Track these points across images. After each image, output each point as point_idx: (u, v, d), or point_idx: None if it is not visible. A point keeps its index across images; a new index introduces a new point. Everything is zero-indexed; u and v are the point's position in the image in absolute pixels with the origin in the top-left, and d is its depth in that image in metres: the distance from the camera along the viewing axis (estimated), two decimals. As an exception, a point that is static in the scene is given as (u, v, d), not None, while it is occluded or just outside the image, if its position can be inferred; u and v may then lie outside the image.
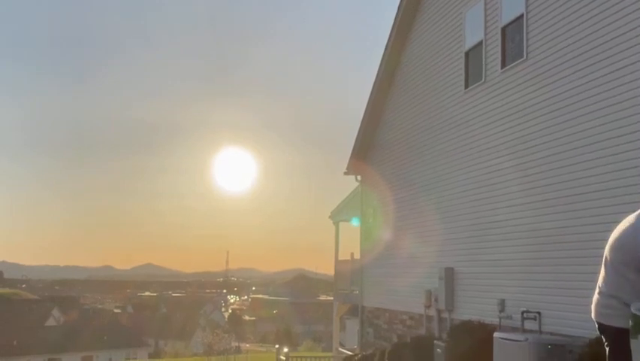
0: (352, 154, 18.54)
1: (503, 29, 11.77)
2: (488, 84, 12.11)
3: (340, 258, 21.89)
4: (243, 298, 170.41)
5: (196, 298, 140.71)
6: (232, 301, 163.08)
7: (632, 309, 3.65)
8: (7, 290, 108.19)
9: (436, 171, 14.08)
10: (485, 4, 12.32)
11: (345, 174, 19.03)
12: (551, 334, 9.70)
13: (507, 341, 9.61)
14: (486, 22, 12.30)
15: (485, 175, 12.04)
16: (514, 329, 10.43)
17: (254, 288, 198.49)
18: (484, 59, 12.27)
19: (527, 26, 10.95)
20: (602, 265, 3.95)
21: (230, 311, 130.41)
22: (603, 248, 4.01)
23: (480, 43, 12.46)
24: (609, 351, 3.88)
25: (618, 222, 4.02)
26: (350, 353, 19.58)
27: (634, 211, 3.98)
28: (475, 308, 12.10)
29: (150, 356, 73.35)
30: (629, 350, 3.66)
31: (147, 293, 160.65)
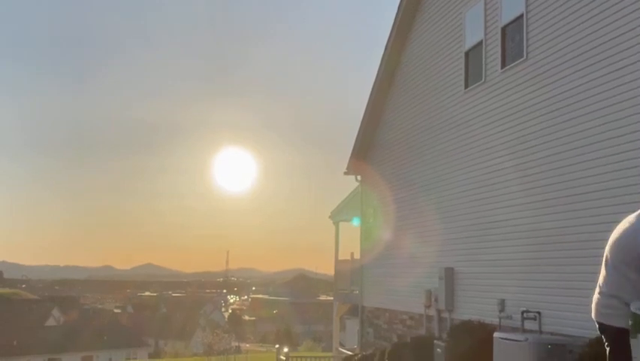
0: (352, 154, 18.54)
1: (503, 29, 11.76)
2: (488, 84, 12.11)
3: (340, 258, 21.89)
4: (243, 298, 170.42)
5: (196, 298, 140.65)
6: (232, 301, 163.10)
7: (632, 308, 3.65)
8: (7, 290, 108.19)
9: (436, 171, 14.08)
10: (485, 4, 12.32)
11: (345, 174, 19.03)
12: (551, 334, 9.70)
13: (507, 341, 9.61)
14: (486, 22, 12.30)
15: (485, 175, 12.04)
16: (514, 329, 10.43)
17: (254, 288, 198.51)
18: (484, 59, 12.27)
19: (527, 26, 10.95)
20: (603, 265, 3.96)
21: (230, 311, 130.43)
22: (603, 248, 4.01)
23: (480, 43, 12.46)
24: (610, 351, 3.88)
25: (618, 222, 4.02)
26: (350, 353, 19.58)
27: (634, 211, 3.99)
28: (475, 308, 12.10)
29: (150, 356, 73.36)
30: (630, 350, 3.66)
31: (147, 293, 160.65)
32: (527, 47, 10.90)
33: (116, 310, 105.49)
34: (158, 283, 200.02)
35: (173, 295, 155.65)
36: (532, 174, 10.60)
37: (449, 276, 13.04)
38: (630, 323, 3.67)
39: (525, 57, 10.94)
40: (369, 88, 17.35)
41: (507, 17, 11.64)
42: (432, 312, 13.86)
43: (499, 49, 11.80)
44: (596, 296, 3.98)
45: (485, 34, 12.28)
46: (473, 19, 12.77)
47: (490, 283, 11.75)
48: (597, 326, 3.98)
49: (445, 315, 13.26)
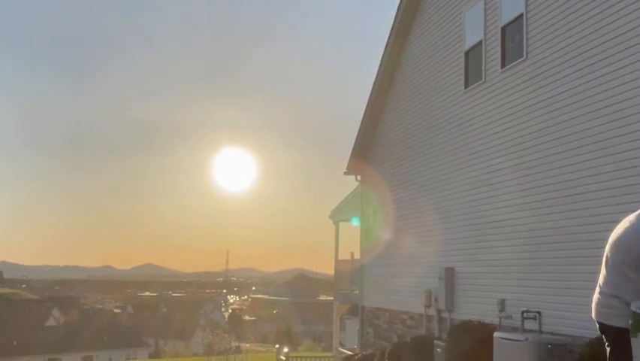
0: (352, 154, 18.54)
1: (503, 29, 11.77)
2: (488, 84, 12.11)
3: (340, 258, 21.89)
4: (243, 298, 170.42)
5: (196, 298, 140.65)
6: (232, 301, 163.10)
7: (632, 307, 3.65)
8: (7, 290, 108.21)
9: (435, 171, 14.08)
10: (485, 3, 12.32)
11: (345, 173, 19.03)
12: (551, 334, 9.71)
13: (507, 341, 9.61)
14: (486, 21, 12.30)
15: (485, 175, 12.04)
16: (514, 329, 10.43)
17: (254, 288, 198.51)
18: (483, 59, 12.27)
19: (527, 26, 10.95)
20: (603, 265, 3.95)
21: (230, 311, 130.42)
22: (603, 248, 4.01)
23: (480, 43, 12.46)
24: (610, 351, 3.88)
25: (618, 221, 4.02)
26: (350, 352, 19.57)
27: (634, 211, 3.98)
28: (475, 308, 12.10)
29: (150, 356, 73.34)
30: (630, 350, 3.66)
31: (147, 293, 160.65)
32: (527, 46, 10.90)
33: (116, 310, 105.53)
34: (158, 283, 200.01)
35: (173, 295, 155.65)
36: (532, 174, 10.61)
37: (449, 276, 13.04)
38: (630, 322, 3.66)
39: (525, 57, 10.94)
40: (369, 88, 17.37)
41: (507, 17, 11.65)
42: (432, 312, 13.86)
43: (498, 49, 11.80)
44: (596, 296, 3.97)
45: (485, 34, 12.29)
46: (473, 19, 12.78)
47: (490, 283, 11.75)
48: (597, 325, 3.98)
49: (445, 315, 13.26)
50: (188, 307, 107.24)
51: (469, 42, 12.91)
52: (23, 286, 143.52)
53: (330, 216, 22.81)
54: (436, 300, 13.49)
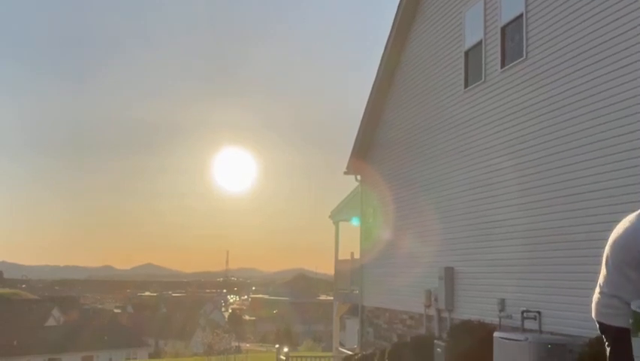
0: (352, 154, 18.54)
1: (503, 29, 11.76)
2: (488, 84, 12.11)
3: (340, 258, 21.89)
4: (243, 298, 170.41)
5: (196, 298, 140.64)
6: (232, 301, 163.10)
7: (633, 307, 3.65)
8: (7, 290, 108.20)
9: (435, 171, 14.08)
10: (485, 3, 12.32)
11: (345, 173, 19.03)
12: (551, 333, 9.70)
13: (507, 341, 9.61)
14: (485, 21, 12.30)
15: (485, 175, 12.04)
16: (514, 329, 10.43)
17: (254, 288, 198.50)
18: (483, 59, 12.27)
19: (527, 26, 10.95)
20: (603, 265, 3.95)
21: (230, 311, 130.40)
22: (603, 248, 4.01)
23: (479, 43, 12.46)
24: (610, 351, 3.88)
25: (617, 221, 4.02)
26: (350, 352, 19.57)
27: (633, 211, 3.98)
28: (475, 308, 12.10)
29: (150, 356, 73.31)
30: (631, 350, 3.66)
31: (147, 293, 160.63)
32: (527, 46, 10.90)
33: (116, 310, 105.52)
34: (158, 283, 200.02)
35: (173, 295, 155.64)
36: (532, 174, 10.60)
37: (449, 276, 13.04)
38: (631, 321, 3.67)
39: (525, 57, 10.94)
40: (369, 88, 17.37)
41: (507, 17, 11.64)
42: (432, 312, 13.86)
43: (498, 48, 11.80)
44: (596, 296, 3.97)
45: (485, 34, 12.28)
46: (473, 19, 12.77)
47: (490, 283, 11.75)
48: (598, 325, 3.98)
49: (445, 315, 13.26)
50: (188, 307, 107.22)
51: (469, 42, 12.91)
52: (23, 286, 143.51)
53: (330, 216, 22.80)
54: (436, 300, 13.48)
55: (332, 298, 24.10)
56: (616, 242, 3.89)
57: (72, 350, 65.82)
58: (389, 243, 16.50)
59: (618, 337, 3.78)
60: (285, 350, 26.33)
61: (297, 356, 23.74)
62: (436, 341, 12.09)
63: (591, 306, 4.02)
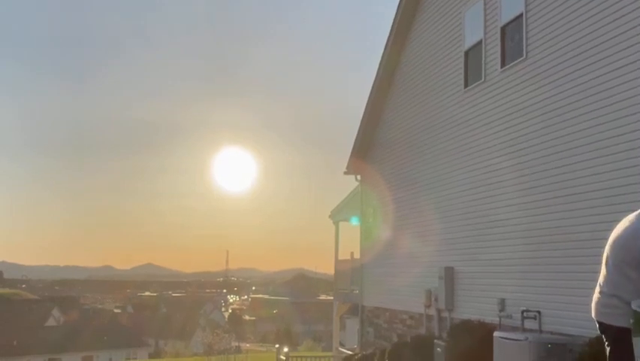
0: (352, 153, 18.54)
1: (503, 28, 11.76)
2: (488, 83, 12.11)
3: (340, 257, 21.89)
4: (243, 298, 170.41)
5: (196, 298, 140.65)
6: (232, 301, 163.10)
7: (634, 306, 3.65)
8: (7, 290, 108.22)
9: (435, 171, 14.08)
10: (485, 3, 12.32)
11: (345, 173, 19.03)
12: (551, 333, 9.70)
13: (507, 341, 9.61)
14: (485, 21, 12.30)
15: (485, 174, 12.04)
16: (514, 329, 10.43)
17: (254, 288, 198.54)
18: (483, 59, 12.27)
19: (527, 25, 10.95)
20: (603, 264, 3.95)
21: (230, 311, 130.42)
22: (603, 247, 4.00)
23: (479, 43, 12.46)
24: (610, 350, 3.87)
25: (617, 221, 4.02)
26: (350, 352, 19.57)
27: (633, 211, 3.98)
28: (475, 308, 12.10)
29: (150, 356, 73.31)
30: (631, 350, 3.66)
31: (147, 293, 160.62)
32: (527, 46, 10.90)
33: (116, 310, 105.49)
34: (158, 283, 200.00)
35: (173, 295, 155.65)
36: (532, 173, 10.60)
37: (449, 275, 13.04)
38: (632, 321, 3.66)
39: (524, 56, 10.94)
40: (369, 88, 17.37)
41: (506, 17, 11.64)
42: (432, 311, 13.86)
43: (498, 48, 11.80)
44: (596, 295, 3.97)
45: (485, 34, 12.28)
46: (473, 19, 12.77)
47: (490, 283, 11.75)
48: (597, 325, 3.98)
49: (445, 314, 13.26)
50: (188, 307, 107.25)
51: (469, 42, 12.91)
52: (23, 286, 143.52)
53: (330, 216, 22.81)
54: (436, 300, 13.49)
55: (332, 298, 24.11)
56: (616, 242, 3.89)
57: (72, 350, 65.82)
58: (389, 243, 16.50)
59: (618, 337, 3.78)
60: (285, 350, 26.36)
61: (297, 356, 23.75)
62: (436, 341, 12.10)
63: (591, 306, 4.02)
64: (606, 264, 3.92)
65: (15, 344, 61.86)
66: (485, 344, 10.01)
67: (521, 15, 11.12)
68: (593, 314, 4.00)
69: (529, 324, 10.28)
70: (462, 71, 13.08)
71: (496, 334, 9.98)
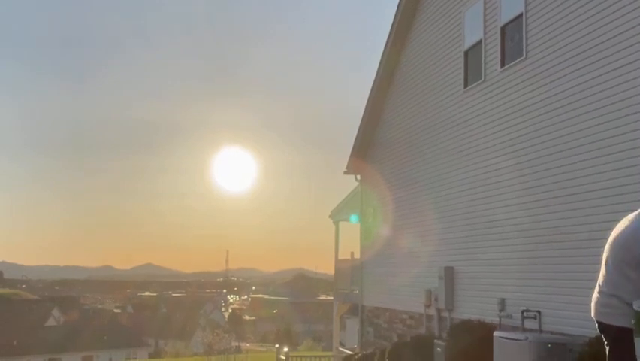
0: (352, 153, 18.55)
1: (502, 28, 11.77)
2: (487, 83, 12.11)
3: (340, 257, 21.90)
4: (243, 297, 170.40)
5: (196, 298, 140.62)
6: (232, 301, 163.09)
7: (635, 307, 3.65)
8: (7, 290, 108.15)
9: (435, 170, 14.09)
10: (484, 3, 12.32)
11: (345, 173, 19.04)
12: (551, 333, 9.71)
13: (507, 340, 9.62)
14: (485, 21, 12.30)
15: (485, 174, 12.04)
16: (514, 328, 10.43)
17: (254, 288, 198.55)
18: (483, 58, 12.27)
19: (527, 25, 10.95)
20: (603, 264, 3.95)
21: (230, 311, 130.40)
22: (603, 247, 4.01)
23: (479, 43, 12.46)
24: (609, 350, 3.88)
25: (617, 221, 4.02)
26: (350, 352, 19.58)
27: (633, 210, 3.99)
28: (475, 307, 12.10)
29: (150, 356, 73.34)
30: (630, 349, 3.66)
31: (147, 293, 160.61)
32: (527, 46, 10.90)
33: (116, 310, 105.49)
34: (158, 283, 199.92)
35: (173, 295, 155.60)
36: (531, 173, 10.61)
37: (449, 275, 13.04)
38: (633, 322, 3.66)
39: (524, 56, 10.94)
40: (369, 87, 17.37)
41: (506, 16, 11.65)
42: (432, 311, 13.86)
43: (498, 48, 11.80)
44: (595, 295, 3.98)
45: (484, 34, 12.29)
46: (472, 19, 12.78)
47: (490, 283, 11.76)
48: (597, 325, 3.98)
49: (445, 314, 13.26)
50: (188, 307, 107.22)
51: (469, 41, 12.91)
52: (23, 286, 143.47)
53: (330, 216, 22.81)
54: (436, 299, 13.49)
55: (332, 297, 24.11)
56: (616, 241, 3.89)
57: (72, 350, 65.84)
58: (389, 242, 16.50)
59: (617, 336, 3.78)
60: (285, 349, 26.34)
61: (297, 356, 23.74)
62: (436, 341, 12.10)
63: (591, 305, 4.03)
64: (606, 264, 3.92)
65: (15, 344, 61.89)
66: (485, 344, 10.02)
67: (521, 15, 11.12)
68: (592, 314, 4.00)
69: (529, 324, 10.28)
70: (462, 70, 13.09)
71: (496, 334, 9.99)
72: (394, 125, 16.59)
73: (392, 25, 16.03)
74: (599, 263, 4.01)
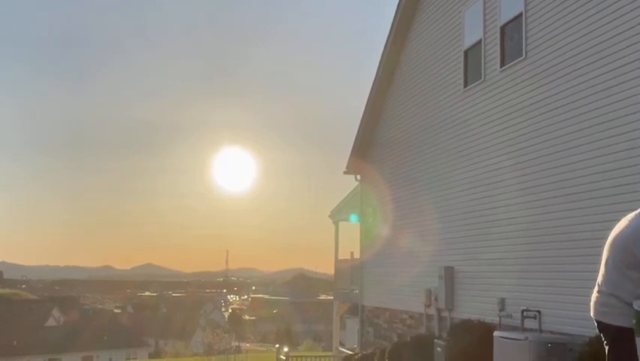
0: (352, 153, 18.55)
1: (502, 28, 11.77)
2: (487, 83, 12.11)
3: (340, 257, 21.89)
4: (243, 297, 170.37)
5: (196, 298, 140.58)
6: (232, 300, 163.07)
7: (635, 306, 3.66)
8: (7, 290, 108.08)
9: (435, 170, 14.09)
10: (484, 2, 12.32)
11: (345, 173, 19.04)
12: (551, 332, 9.71)
13: (507, 340, 9.62)
14: (485, 20, 12.31)
15: (484, 174, 12.05)
16: (514, 328, 10.43)
17: (254, 288, 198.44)
18: (483, 58, 12.28)
19: (526, 25, 10.95)
20: (602, 264, 3.96)
21: (230, 311, 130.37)
22: (602, 247, 4.01)
23: (479, 42, 12.47)
24: (609, 349, 3.89)
25: (617, 221, 4.03)
26: (350, 352, 19.57)
27: (633, 210, 3.99)
28: (475, 307, 12.10)
29: (150, 356, 73.33)
30: (629, 349, 3.67)
31: (147, 293, 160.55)
32: (526, 45, 10.90)
33: (116, 310, 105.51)
34: (158, 283, 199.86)
35: (173, 295, 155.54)
36: (531, 173, 10.61)
37: (449, 275, 13.04)
38: (634, 321, 3.67)
39: (524, 56, 10.94)
40: (369, 87, 17.37)
41: (506, 16, 11.65)
42: (432, 311, 13.87)
43: (498, 48, 11.81)
44: (595, 295, 3.98)
45: (484, 33, 12.29)
46: (472, 18, 12.78)
47: (489, 282, 11.76)
48: (596, 324, 3.99)
49: (445, 314, 13.27)
50: (188, 307, 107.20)
51: (469, 41, 12.91)
52: (23, 286, 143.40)
53: (330, 216, 22.81)
54: (436, 299, 13.49)
55: (332, 297, 24.11)
56: (615, 241, 3.90)
57: (72, 350, 65.85)
58: (389, 242, 16.51)
59: (617, 336, 3.79)
60: (285, 349, 26.31)
61: (297, 356, 23.72)
62: (436, 341, 12.10)
63: (590, 305, 4.03)
64: (605, 263, 3.93)
65: (15, 344, 61.90)
66: (485, 344, 10.02)
67: (521, 15, 11.12)
68: (591, 313, 4.01)
69: (529, 324, 10.28)
70: (461, 70, 13.09)
71: (496, 333, 9.99)
72: (394, 125, 16.59)
73: (392, 24, 16.04)
74: (599, 263, 4.01)
